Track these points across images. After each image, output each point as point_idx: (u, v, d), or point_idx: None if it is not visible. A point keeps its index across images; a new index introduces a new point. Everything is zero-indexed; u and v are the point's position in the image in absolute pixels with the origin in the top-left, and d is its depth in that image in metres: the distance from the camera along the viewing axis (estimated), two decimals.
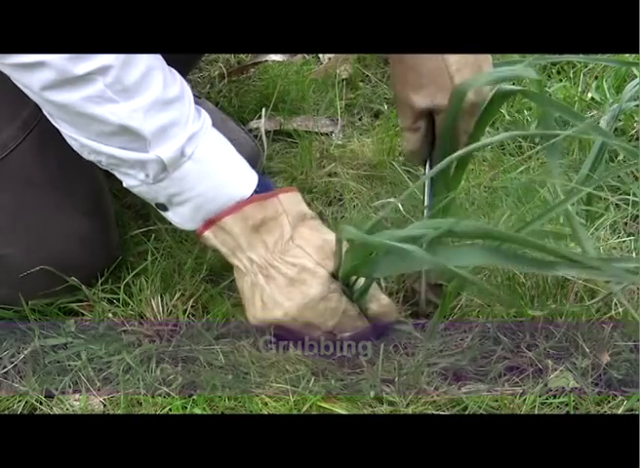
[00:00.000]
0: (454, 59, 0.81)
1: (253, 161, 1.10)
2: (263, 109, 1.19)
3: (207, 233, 0.80)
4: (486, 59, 0.83)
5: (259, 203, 0.79)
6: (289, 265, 0.79)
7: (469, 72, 0.81)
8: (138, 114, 0.72)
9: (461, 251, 0.73)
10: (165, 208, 0.80)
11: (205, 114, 0.79)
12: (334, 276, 0.80)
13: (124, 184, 0.78)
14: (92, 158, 0.77)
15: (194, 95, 1.12)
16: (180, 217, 0.80)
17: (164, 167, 0.75)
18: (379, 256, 0.75)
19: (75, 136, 0.75)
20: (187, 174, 0.77)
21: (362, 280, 0.80)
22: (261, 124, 1.18)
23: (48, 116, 0.75)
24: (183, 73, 0.97)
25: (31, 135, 0.81)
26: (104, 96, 0.70)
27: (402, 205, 1.02)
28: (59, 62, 0.68)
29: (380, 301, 0.82)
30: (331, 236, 0.81)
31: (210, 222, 0.79)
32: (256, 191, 0.80)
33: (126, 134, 0.73)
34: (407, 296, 0.90)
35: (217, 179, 0.78)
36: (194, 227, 0.81)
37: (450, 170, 0.85)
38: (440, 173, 0.82)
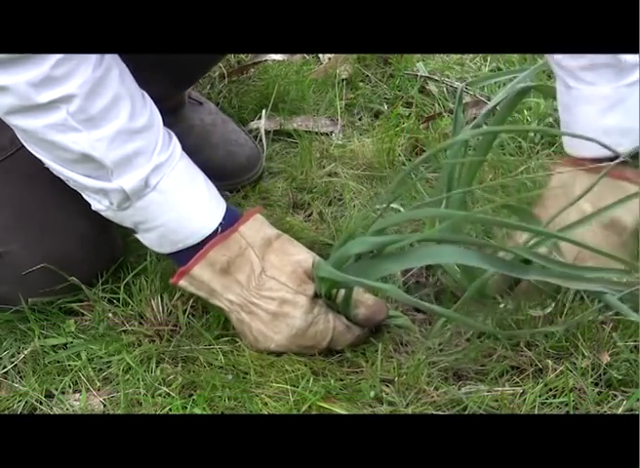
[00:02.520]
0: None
1: (253, 161, 1.11)
2: (264, 110, 1.19)
3: (182, 283, 0.81)
4: None
5: (221, 244, 0.78)
6: (268, 300, 0.79)
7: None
8: (100, 144, 0.72)
9: (436, 250, 0.73)
10: (134, 231, 0.81)
11: (175, 142, 0.79)
12: (316, 294, 0.80)
13: (92, 207, 0.79)
14: (61, 178, 0.77)
15: (194, 97, 1.13)
16: (148, 242, 0.81)
17: (126, 197, 0.75)
18: (353, 265, 0.77)
19: (42, 158, 0.76)
20: (151, 204, 0.77)
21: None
22: (261, 124, 1.18)
23: (18, 136, 0.76)
24: (196, 77, 0.96)
25: None
26: (67, 124, 0.70)
27: (403, 206, 1.02)
28: (22, 89, 0.68)
29: (366, 303, 0.82)
30: (300, 255, 0.81)
31: (181, 273, 0.80)
32: (220, 223, 0.79)
33: (88, 162, 0.73)
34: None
35: (180, 212, 0.78)
36: (163, 252, 0.81)
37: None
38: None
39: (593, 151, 0.79)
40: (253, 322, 0.80)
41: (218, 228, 0.79)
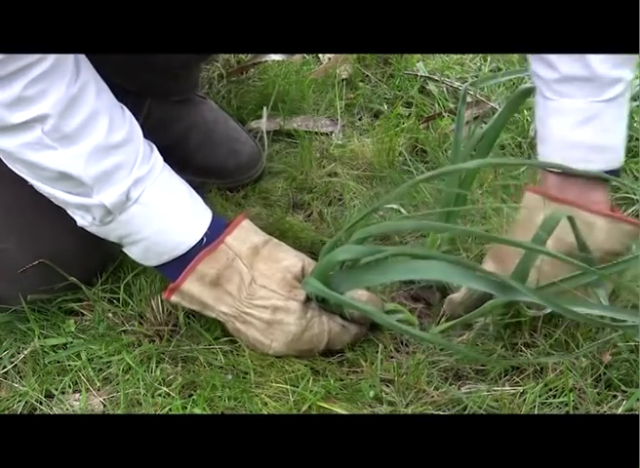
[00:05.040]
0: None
1: (254, 160, 1.11)
2: (264, 108, 1.19)
3: (173, 299, 0.81)
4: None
5: (209, 257, 0.79)
6: (261, 309, 0.79)
7: (535, 275, 0.76)
8: (77, 161, 0.72)
9: (419, 265, 0.73)
10: (120, 245, 0.81)
11: (156, 154, 0.79)
12: (308, 298, 0.80)
13: (77, 223, 0.79)
14: (45, 195, 0.77)
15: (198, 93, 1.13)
16: (134, 256, 0.81)
17: (108, 211, 0.76)
18: (339, 273, 0.77)
19: (24, 177, 0.76)
20: (133, 217, 0.77)
21: None
22: (263, 124, 1.18)
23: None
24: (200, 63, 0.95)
25: None
26: (42, 143, 0.70)
27: (402, 206, 1.02)
28: None
29: (359, 300, 0.81)
30: (288, 260, 0.81)
31: (171, 290, 0.80)
32: (206, 234, 0.79)
33: (67, 180, 0.74)
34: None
35: (163, 224, 0.78)
36: (151, 265, 0.81)
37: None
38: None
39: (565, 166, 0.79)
40: (249, 331, 0.80)
41: (202, 239, 0.79)
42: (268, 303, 0.79)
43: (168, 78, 1.01)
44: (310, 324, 0.80)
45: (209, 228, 0.80)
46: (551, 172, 0.81)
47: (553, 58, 0.76)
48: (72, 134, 0.71)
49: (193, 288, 0.79)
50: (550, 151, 0.80)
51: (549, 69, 0.77)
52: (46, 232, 0.83)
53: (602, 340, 0.79)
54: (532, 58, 0.80)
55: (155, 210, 0.78)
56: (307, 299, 0.80)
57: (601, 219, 0.77)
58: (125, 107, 0.77)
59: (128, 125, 0.76)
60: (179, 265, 0.79)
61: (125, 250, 0.81)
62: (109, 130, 0.73)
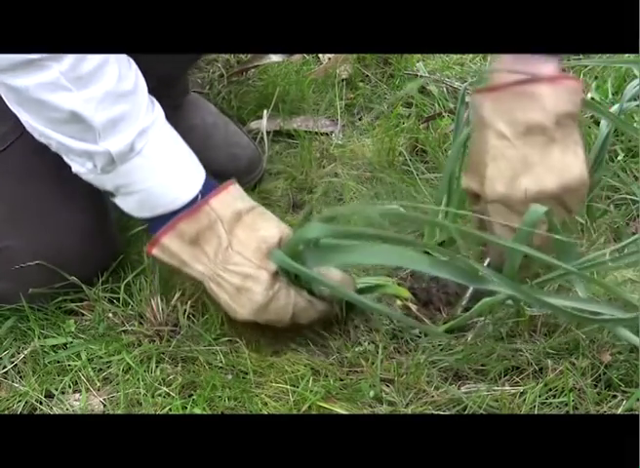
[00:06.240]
0: (491, 146, 0.77)
1: (254, 164, 1.11)
2: (265, 111, 1.19)
3: (154, 252, 0.81)
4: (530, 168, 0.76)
5: (192, 216, 0.79)
6: (233, 274, 0.79)
7: (506, 164, 0.77)
8: (90, 104, 0.73)
9: (385, 249, 0.73)
10: (113, 195, 0.81)
11: (158, 107, 0.79)
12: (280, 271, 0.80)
13: (72, 170, 0.79)
14: (42, 140, 0.77)
15: (194, 97, 1.13)
16: (126, 206, 0.81)
17: (112, 160, 0.76)
18: (308, 250, 0.77)
19: (27, 119, 0.76)
20: (135, 168, 0.77)
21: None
22: (263, 126, 1.18)
23: (3, 96, 0.75)
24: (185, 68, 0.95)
25: None
26: (58, 83, 0.71)
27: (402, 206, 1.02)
28: None
29: (332, 279, 0.81)
30: (268, 230, 0.81)
31: (153, 243, 0.80)
32: (200, 192, 0.80)
33: (76, 122, 0.74)
34: None
35: (163, 177, 0.79)
36: (142, 217, 0.81)
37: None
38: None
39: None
40: (220, 294, 0.80)
41: (198, 196, 0.79)
42: (240, 270, 0.79)
43: (160, 85, 1.01)
44: (277, 295, 0.79)
45: (203, 186, 0.80)
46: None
47: None
48: (86, 76, 0.72)
49: (173, 244, 0.80)
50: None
51: None
52: (50, 229, 0.83)
53: (602, 340, 0.79)
54: None
55: (156, 163, 0.78)
56: (278, 272, 0.80)
57: (545, 87, 0.77)
58: (131, 59, 0.77)
59: (134, 75, 0.77)
60: (169, 220, 0.79)
61: (117, 200, 0.81)
62: (119, 77, 0.74)
